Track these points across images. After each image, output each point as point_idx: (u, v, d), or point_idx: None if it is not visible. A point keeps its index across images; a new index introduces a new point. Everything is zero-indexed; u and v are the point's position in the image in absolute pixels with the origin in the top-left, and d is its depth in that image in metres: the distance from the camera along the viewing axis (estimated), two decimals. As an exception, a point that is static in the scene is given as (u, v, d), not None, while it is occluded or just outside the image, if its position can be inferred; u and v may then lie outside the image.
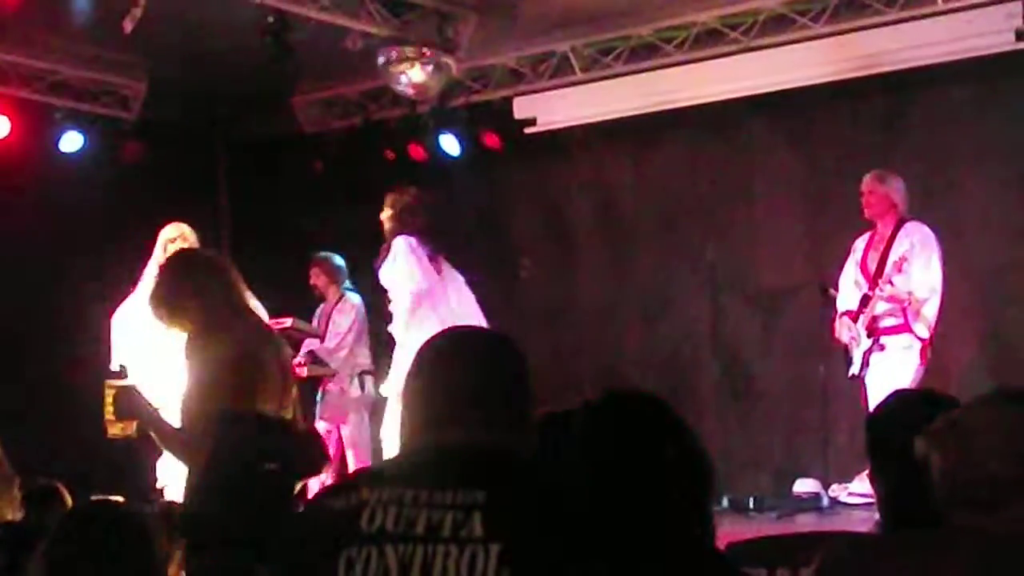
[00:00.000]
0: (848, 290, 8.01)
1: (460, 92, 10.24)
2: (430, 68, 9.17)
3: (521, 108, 10.36)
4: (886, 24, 8.83)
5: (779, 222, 9.76)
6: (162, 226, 8.00)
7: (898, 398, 3.21)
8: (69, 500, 4.84)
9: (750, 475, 9.09)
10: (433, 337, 2.48)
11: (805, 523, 7.61)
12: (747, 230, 9.86)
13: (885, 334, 7.78)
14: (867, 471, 3.04)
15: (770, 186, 9.84)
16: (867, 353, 7.80)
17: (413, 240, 8.01)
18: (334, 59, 9.62)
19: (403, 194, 8.21)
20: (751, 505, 8.30)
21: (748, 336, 9.85)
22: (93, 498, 4.06)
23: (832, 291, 8.10)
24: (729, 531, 3.30)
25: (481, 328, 2.09)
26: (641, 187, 10.38)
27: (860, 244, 8.05)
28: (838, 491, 8.17)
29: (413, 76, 9.20)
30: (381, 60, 9.23)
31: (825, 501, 8.17)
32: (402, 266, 7.97)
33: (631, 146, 10.32)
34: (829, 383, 8.34)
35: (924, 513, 2.74)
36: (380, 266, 8.10)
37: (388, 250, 8.07)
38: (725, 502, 8.22)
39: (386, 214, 8.16)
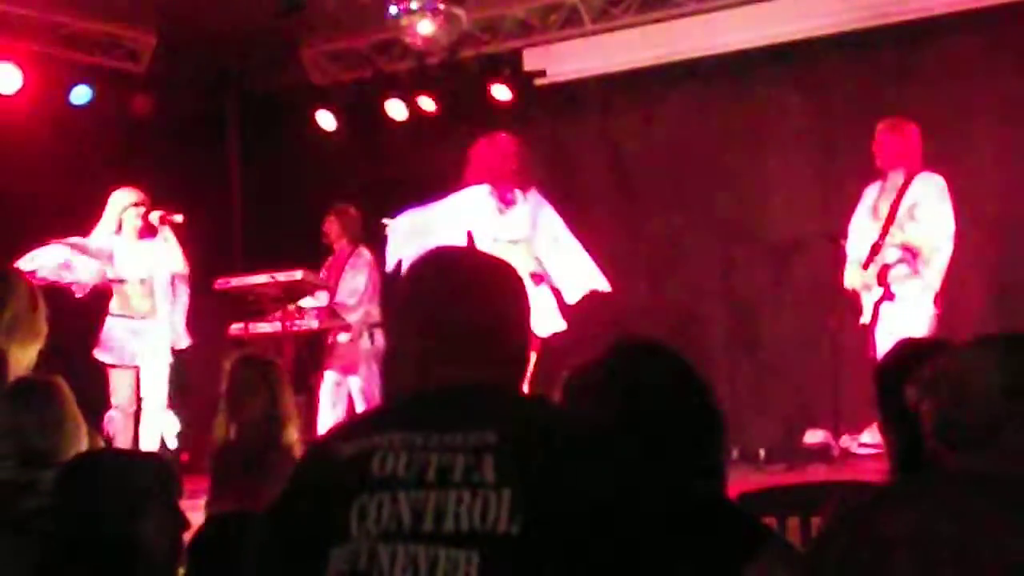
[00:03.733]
0: (858, 237, 7.99)
1: (470, 44, 10.20)
2: (440, 20, 9.14)
3: (531, 60, 10.33)
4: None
5: (790, 173, 9.74)
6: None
7: (906, 347, 3.21)
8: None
9: (760, 426, 9.10)
10: (420, 259, 2.30)
11: (816, 474, 7.64)
12: (758, 181, 9.84)
13: (895, 283, 7.77)
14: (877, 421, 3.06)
15: (781, 137, 9.81)
16: (877, 303, 7.80)
17: None
18: (344, 11, 9.59)
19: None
20: (762, 456, 8.33)
21: (758, 287, 9.85)
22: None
23: (842, 241, 8.08)
24: (740, 481, 3.32)
25: (472, 249, 1.87)
26: (651, 138, 10.35)
27: (871, 191, 8.01)
28: (848, 442, 8.18)
29: (423, 28, 9.16)
30: (391, 11, 9.20)
31: (835, 452, 8.18)
32: None
33: (641, 97, 10.28)
34: (840, 333, 8.32)
35: (933, 462, 2.75)
36: None
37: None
38: (736, 453, 8.24)
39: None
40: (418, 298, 2.22)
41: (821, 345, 8.68)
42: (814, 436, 8.45)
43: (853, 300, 7.98)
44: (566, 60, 10.22)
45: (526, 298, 2.25)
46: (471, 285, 2.21)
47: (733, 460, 8.00)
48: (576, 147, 10.67)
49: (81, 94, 10.07)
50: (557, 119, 10.61)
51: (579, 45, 10.12)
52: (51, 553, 3.02)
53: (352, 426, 2.17)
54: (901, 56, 9.27)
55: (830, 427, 8.39)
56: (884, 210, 7.84)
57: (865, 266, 7.85)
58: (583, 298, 8.32)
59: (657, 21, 9.73)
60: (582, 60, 10.15)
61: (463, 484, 1.95)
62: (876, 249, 7.82)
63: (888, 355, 3.12)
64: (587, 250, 10.51)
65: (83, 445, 3.89)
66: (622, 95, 10.25)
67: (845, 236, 8.07)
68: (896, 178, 7.85)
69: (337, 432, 2.17)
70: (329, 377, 8.96)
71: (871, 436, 7.57)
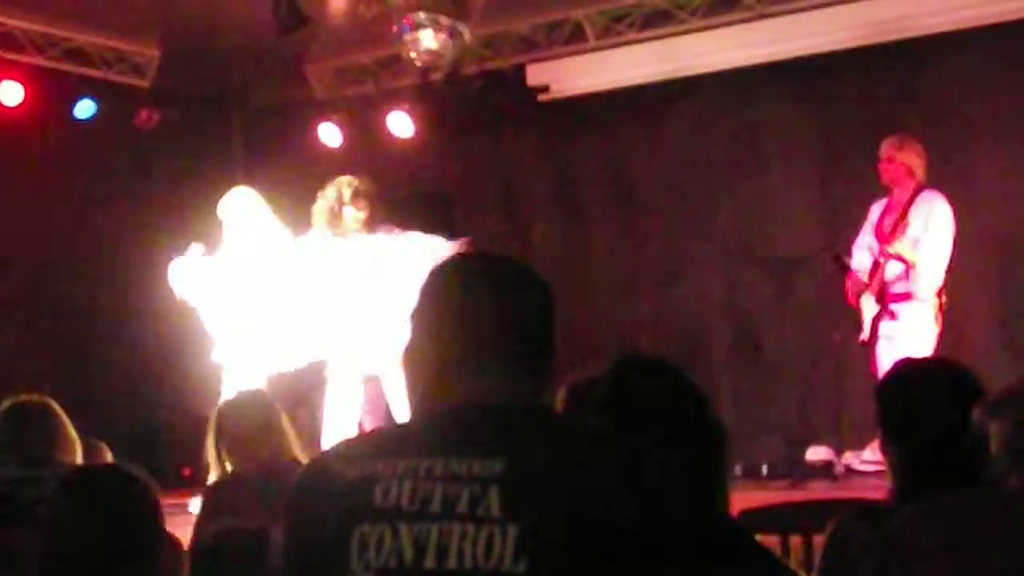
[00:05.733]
0: (862, 255, 8.01)
1: (473, 59, 10.21)
2: (443, 35, 9.14)
3: (534, 75, 10.34)
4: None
5: (793, 189, 9.74)
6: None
7: (907, 366, 3.21)
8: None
9: (763, 442, 9.09)
10: (443, 265, 2.15)
11: (818, 490, 7.63)
12: (761, 197, 9.84)
13: (895, 301, 7.77)
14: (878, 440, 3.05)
15: (784, 153, 9.81)
16: (876, 320, 7.80)
17: None
18: (348, 26, 9.59)
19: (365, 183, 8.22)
20: (764, 472, 8.31)
21: (761, 303, 9.84)
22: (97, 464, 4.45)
23: (846, 258, 8.09)
24: (742, 498, 3.31)
25: (499, 256, 1.67)
26: (655, 154, 10.35)
27: (876, 209, 8.03)
28: (851, 458, 8.17)
29: (427, 43, 9.17)
30: (395, 27, 9.21)
31: (838, 468, 8.17)
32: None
33: (645, 113, 10.29)
34: (843, 350, 8.32)
35: (934, 480, 2.76)
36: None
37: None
38: (738, 469, 8.24)
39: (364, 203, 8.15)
40: (440, 305, 2.09)
41: (824, 361, 8.69)
42: (817, 453, 8.44)
43: (856, 317, 7.98)
44: (570, 76, 10.23)
45: (553, 306, 2.11)
46: (500, 291, 2.07)
47: (735, 476, 7.99)
48: (579, 162, 10.68)
49: (86, 108, 10.07)
50: (560, 135, 10.62)
51: (583, 61, 10.13)
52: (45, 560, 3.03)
53: (356, 447, 2.07)
54: (905, 73, 9.27)
55: (833, 444, 8.39)
56: (887, 228, 7.86)
57: (867, 284, 7.86)
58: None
59: (661, 37, 9.74)
60: (586, 76, 10.16)
61: (467, 518, 1.86)
62: (877, 267, 7.84)
63: (889, 374, 3.12)
64: (590, 266, 10.57)
65: (77, 457, 4.35)
66: (625, 111, 10.26)
67: (850, 253, 8.08)
68: (900, 196, 7.87)
69: (340, 452, 2.07)
70: (334, 392, 8.92)
71: (873, 453, 7.56)
